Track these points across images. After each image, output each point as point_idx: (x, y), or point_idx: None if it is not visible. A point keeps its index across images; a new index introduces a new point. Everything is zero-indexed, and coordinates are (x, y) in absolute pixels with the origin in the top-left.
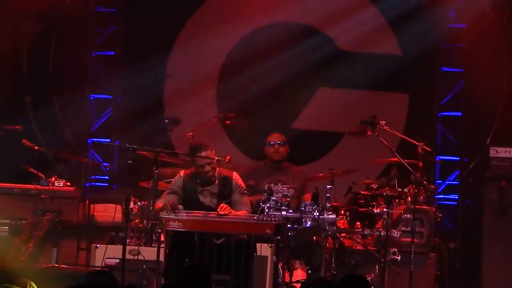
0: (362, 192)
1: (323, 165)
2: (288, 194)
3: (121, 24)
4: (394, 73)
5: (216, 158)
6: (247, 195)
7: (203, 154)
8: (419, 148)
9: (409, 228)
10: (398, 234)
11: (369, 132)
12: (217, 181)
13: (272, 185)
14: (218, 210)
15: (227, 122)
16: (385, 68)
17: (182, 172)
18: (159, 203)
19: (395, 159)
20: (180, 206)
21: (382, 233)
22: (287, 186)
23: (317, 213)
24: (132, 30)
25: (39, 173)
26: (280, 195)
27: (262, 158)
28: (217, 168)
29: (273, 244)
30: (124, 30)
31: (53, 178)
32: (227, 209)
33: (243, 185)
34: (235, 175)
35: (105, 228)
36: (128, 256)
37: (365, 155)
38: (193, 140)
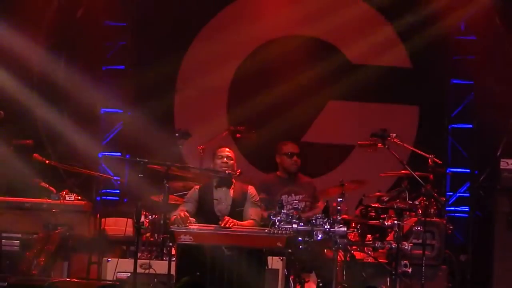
0: (373, 205)
1: (334, 178)
2: (299, 207)
3: (131, 38)
4: (404, 85)
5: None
6: (259, 207)
7: (225, 149)
8: (429, 161)
9: (420, 241)
10: (409, 247)
11: (379, 145)
12: (232, 189)
13: (286, 196)
14: (220, 223)
15: (238, 135)
16: (396, 80)
17: (197, 186)
18: (173, 217)
19: (406, 171)
20: (191, 219)
21: (393, 246)
22: (301, 196)
23: (328, 226)
24: (142, 44)
25: (50, 187)
26: (291, 208)
27: (273, 170)
28: (233, 180)
29: (284, 257)
30: (134, 44)
31: (64, 192)
32: (230, 221)
33: (257, 197)
34: (251, 187)
35: (116, 242)
36: (139, 270)
37: (376, 168)
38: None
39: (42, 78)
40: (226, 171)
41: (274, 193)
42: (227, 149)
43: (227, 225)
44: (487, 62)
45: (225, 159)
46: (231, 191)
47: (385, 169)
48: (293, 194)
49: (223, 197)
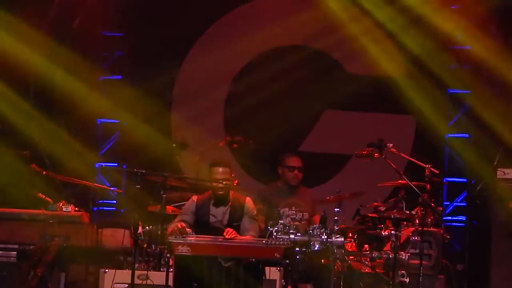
0: (370, 215)
1: (331, 188)
2: (297, 218)
3: (128, 48)
4: (401, 95)
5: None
6: (256, 221)
7: (219, 169)
8: (426, 170)
9: (417, 250)
10: (407, 257)
11: (376, 155)
12: (230, 203)
13: (287, 209)
14: (224, 234)
15: (235, 145)
16: (392, 90)
17: (195, 197)
18: (170, 227)
19: (403, 181)
20: (188, 230)
21: (390, 256)
22: (300, 209)
23: (325, 236)
24: (139, 54)
25: (47, 198)
26: (288, 218)
27: (271, 180)
28: (231, 192)
29: (281, 268)
30: (131, 54)
31: (61, 203)
32: (233, 233)
33: (254, 210)
34: (248, 200)
35: (113, 253)
36: (137, 281)
37: (373, 178)
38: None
39: (38, 88)
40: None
41: (273, 203)
42: (222, 169)
43: (230, 237)
44: (483, 71)
45: (221, 184)
46: (229, 206)
47: (382, 179)
48: (293, 207)
49: (220, 212)
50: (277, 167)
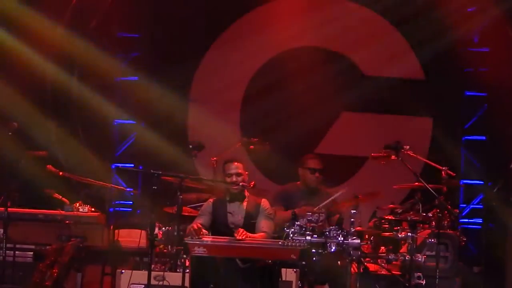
0: (387, 217)
1: (347, 190)
2: (313, 219)
3: (144, 49)
4: (418, 97)
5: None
6: (272, 220)
7: (232, 164)
8: (443, 173)
9: (433, 253)
10: (423, 259)
11: (393, 157)
12: (246, 202)
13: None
14: (235, 234)
15: (251, 147)
16: (409, 92)
17: (211, 199)
18: (188, 228)
19: (419, 183)
20: (205, 231)
21: (406, 258)
22: (317, 211)
23: (342, 238)
24: (155, 55)
25: (63, 199)
26: (305, 220)
27: (287, 182)
28: (247, 192)
29: (298, 269)
30: (147, 56)
31: (78, 204)
32: (244, 233)
33: (270, 210)
34: (264, 201)
35: (129, 254)
36: (153, 282)
37: (389, 180)
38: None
39: (55, 89)
40: (237, 186)
41: (292, 203)
42: (235, 164)
43: (241, 237)
44: (500, 73)
45: (234, 177)
46: (245, 204)
47: (398, 181)
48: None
49: (237, 210)
50: (297, 168)
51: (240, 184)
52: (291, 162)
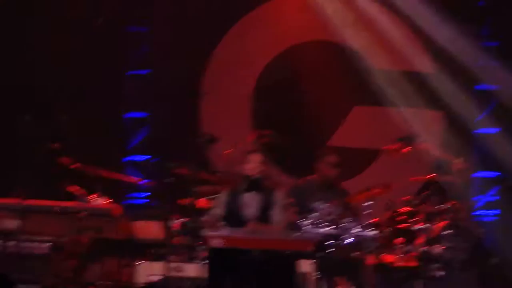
0: (402, 209)
1: (360, 183)
2: (330, 211)
3: (154, 43)
4: (430, 90)
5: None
6: (286, 212)
7: (257, 156)
8: (456, 165)
9: (449, 244)
10: (439, 250)
11: (405, 150)
12: (261, 193)
13: (320, 202)
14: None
15: (263, 140)
16: (420, 85)
17: (226, 190)
18: (204, 220)
19: (434, 176)
20: (221, 223)
21: (423, 250)
22: (334, 204)
23: (358, 230)
24: (165, 48)
25: (79, 191)
26: (321, 212)
27: (300, 175)
28: (262, 184)
29: (314, 261)
30: (158, 49)
31: (94, 196)
32: (257, 226)
33: (285, 200)
34: (279, 191)
35: (146, 245)
36: (170, 273)
37: (402, 172)
38: None
39: (70, 81)
40: (255, 175)
41: (307, 197)
42: (259, 155)
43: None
44: (510, 67)
45: (256, 165)
46: (260, 195)
47: (411, 174)
48: (327, 202)
49: (252, 201)
50: (313, 162)
51: (255, 174)
52: (304, 155)
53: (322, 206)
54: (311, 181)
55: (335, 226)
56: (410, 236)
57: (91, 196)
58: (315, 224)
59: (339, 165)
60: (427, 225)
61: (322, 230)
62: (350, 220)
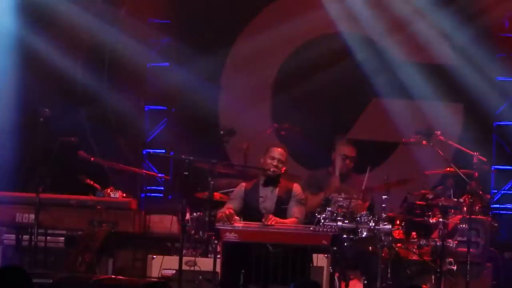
0: (418, 202)
1: (378, 175)
2: (344, 205)
3: (175, 35)
4: (449, 83)
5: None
6: (303, 205)
7: (278, 150)
8: (474, 158)
9: (465, 238)
10: (454, 244)
11: (424, 142)
12: (278, 188)
13: (336, 194)
14: (263, 220)
15: (282, 132)
16: (440, 78)
17: (243, 183)
18: (219, 214)
19: (451, 169)
20: (236, 217)
21: (438, 243)
22: (349, 196)
23: (373, 224)
24: (186, 41)
25: (95, 184)
26: (337, 205)
27: (319, 167)
28: (280, 179)
29: (329, 255)
30: (178, 41)
31: (109, 189)
32: (273, 219)
33: (301, 195)
34: (296, 185)
35: (161, 239)
36: (184, 267)
37: (420, 165)
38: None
39: (86, 76)
40: (272, 170)
41: (321, 189)
42: (280, 150)
43: (269, 223)
44: None
45: (276, 161)
46: (277, 189)
47: (429, 167)
48: (342, 193)
49: (269, 195)
50: (329, 153)
51: (272, 170)
52: (322, 148)
53: (336, 199)
54: (324, 173)
55: (350, 220)
56: (426, 229)
57: (107, 189)
58: (330, 218)
59: (352, 158)
60: (443, 219)
61: (337, 223)
62: (365, 214)
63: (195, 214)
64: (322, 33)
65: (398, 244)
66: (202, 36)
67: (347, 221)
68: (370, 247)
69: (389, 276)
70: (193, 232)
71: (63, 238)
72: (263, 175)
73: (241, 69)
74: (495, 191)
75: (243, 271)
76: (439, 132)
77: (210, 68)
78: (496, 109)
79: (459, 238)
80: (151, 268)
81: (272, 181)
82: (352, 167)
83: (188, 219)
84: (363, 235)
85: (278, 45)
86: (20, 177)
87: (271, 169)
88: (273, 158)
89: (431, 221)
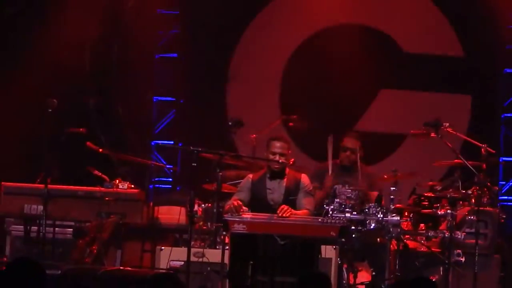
0: (426, 194)
1: (386, 167)
2: (352, 196)
3: (183, 26)
4: (457, 74)
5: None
6: (312, 196)
7: (277, 143)
8: (482, 150)
9: (473, 230)
10: (462, 236)
11: (432, 134)
12: (285, 179)
13: (340, 186)
14: (278, 212)
15: (290, 124)
16: (448, 69)
17: (250, 175)
18: (226, 205)
19: (459, 161)
20: (244, 208)
21: (446, 235)
22: (352, 188)
23: (381, 215)
24: (194, 32)
25: (103, 176)
26: (344, 197)
27: (326, 159)
28: (287, 169)
29: (337, 246)
30: (186, 32)
31: (117, 181)
32: (288, 210)
33: (310, 186)
34: (304, 176)
35: (169, 230)
36: (192, 259)
37: (428, 157)
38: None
39: (95, 66)
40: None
41: (327, 180)
42: (280, 144)
43: (284, 215)
44: None
45: (277, 156)
46: (284, 181)
47: (437, 159)
48: (346, 185)
49: (276, 186)
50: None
51: (280, 161)
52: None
53: (341, 190)
54: (333, 164)
55: (358, 211)
56: (434, 221)
57: (115, 181)
58: (338, 209)
59: (353, 150)
60: (451, 210)
61: (345, 215)
62: (373, 205)
63: (203, 205)
64: (330, 25)
65: (406, 236)
66: (210, 27)
67: (355, 213)
68: (378, 239)
69: (397, 267)
70: (201, 223)
71: (71, 229)
72: (270, 167)
73: (249, 60)
74: (503, 182)
75: (251, 262)
76: (447, 124)
77: (218, 58)
78: (504, 101)
79: (467, 230)
80: (159, 260)
81: (277, 174)
82: (353, 159)
83: (196, 211)
84: (371, 227)
85: (286, 36)
86: (28, 168)
87: (275, 165)
88: (274, 154)
89: (439, 212)
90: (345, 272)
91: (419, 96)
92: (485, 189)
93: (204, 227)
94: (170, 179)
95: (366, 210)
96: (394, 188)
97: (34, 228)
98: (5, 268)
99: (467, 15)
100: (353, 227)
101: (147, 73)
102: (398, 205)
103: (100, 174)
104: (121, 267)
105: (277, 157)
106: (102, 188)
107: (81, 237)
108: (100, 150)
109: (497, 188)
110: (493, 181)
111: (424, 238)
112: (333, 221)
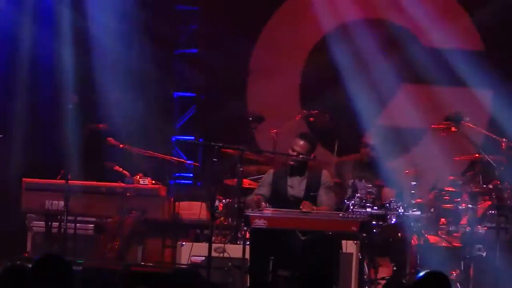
0: (447, 189)
1: (407, 162)
2: (373, 191)
3: (203, 21)
4: (478, 69)
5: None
6: (333, 192)
7: (300, 141)
8: (503, 144)
9: (494, 225)
10: (483, 231)
11: (453, 129)
12: (306, 174)
13: (357, 180)
14: (301, 207)
15: (311, 119)
16: (469, 64)
17: (271, 170)
18: (248, 201)
19: (480, 155)
20: (264, 203)
21: (467, 230)
22: (370, 184)
23: (402, 210)
24: (214, 27)
25: (124, 171)
26: (364, 191)
27: (346, 154)
28: (309, 164)
29: (358, 241)
30: (206, 28)
31: (138, 176)
32: (310, 206)
33: (331, 182)
34: (325, 172)
35: (190, 226)
36: (213, 254)
37: (449, 152)
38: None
39: (116, 62)
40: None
41: (346, 175)
42: (302, 143)
43: (307, 210)
44: None
45: (295, 153)
46: (305, 176)
47: (458, 153)
48: (363, 181)
49: (297, 182)
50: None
51: (300, 157)
52: (351, 135)
53: (360, 185)
54: (349, 160)
55: (379, 206)
56: (454, 216)
57: (136, 176)
58: (359, 204)
59: (372, 146)
60: (472, 205)
61: (366, 210)
62: (394, 200)
63: (224, 201)
64: (351, 19)
65: (427, 231)
66: (230, 22)
67: (376, 208)
68: (399, 234)
69: (418, 262)
70: (222, 218)
71: (93, 225)
72: (289, 165)
73: (270, 55)
74: None
75: (272, 258)
76: (468, 118)
77: (238, 54)
78: None
79: (488, 225)
80: (181, 255)
81: (298, 169)
82: (371, 156)
83: (217, 206)
84: (392, 222)
85: (307, 31)
86: (49, 165)
87: (290, 162)
88: (294, 150)
89: (460, 207)
90: (366, 267)
91: (440, 91)
92: (506, 183)
93: (225, 223)
94: (191, 175)
95: (387, 205)
96: (415, 183)
97: (55, 224)
98: (33, 265)
99: (487, 9)
100: (374, 222)
101: (167, 68)
102: (419, 200)
103: (121, 169)
104: (142, 263)
105: (295, 154)
106: (123, 184)
107: (103, 233)
108: (121, 145)
109: None
110: None
111: (445, 233)
112: (354, 216)
